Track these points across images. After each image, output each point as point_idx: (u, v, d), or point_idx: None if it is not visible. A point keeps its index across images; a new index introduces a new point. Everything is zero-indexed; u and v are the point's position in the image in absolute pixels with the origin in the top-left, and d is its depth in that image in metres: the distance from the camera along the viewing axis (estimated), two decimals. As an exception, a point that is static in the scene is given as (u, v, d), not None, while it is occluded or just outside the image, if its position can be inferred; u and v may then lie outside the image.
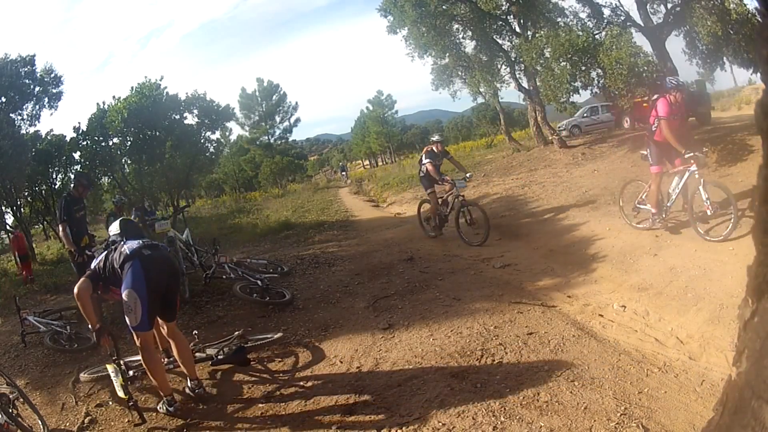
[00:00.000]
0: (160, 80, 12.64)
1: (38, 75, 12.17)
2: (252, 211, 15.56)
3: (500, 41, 12.66)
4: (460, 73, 13.35)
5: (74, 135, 12.67)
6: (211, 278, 5.59)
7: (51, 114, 16.56)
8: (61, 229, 5.29)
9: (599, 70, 9.64)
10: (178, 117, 13.01)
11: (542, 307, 3.96)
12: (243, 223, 12.88)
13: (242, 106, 30.59)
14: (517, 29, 12.14)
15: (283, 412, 2.99)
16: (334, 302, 4.82)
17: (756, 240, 0.80)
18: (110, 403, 3.43)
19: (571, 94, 10.10)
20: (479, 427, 2.44)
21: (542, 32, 10.84)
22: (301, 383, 3.34)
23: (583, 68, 9.69)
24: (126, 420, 3.18)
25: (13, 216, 12.49)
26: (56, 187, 12.72)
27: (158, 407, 3.17)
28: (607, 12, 11.31)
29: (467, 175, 7.30)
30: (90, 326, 3.04)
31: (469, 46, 12.86)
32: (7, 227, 12.58)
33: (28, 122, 12.25)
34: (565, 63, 9.80)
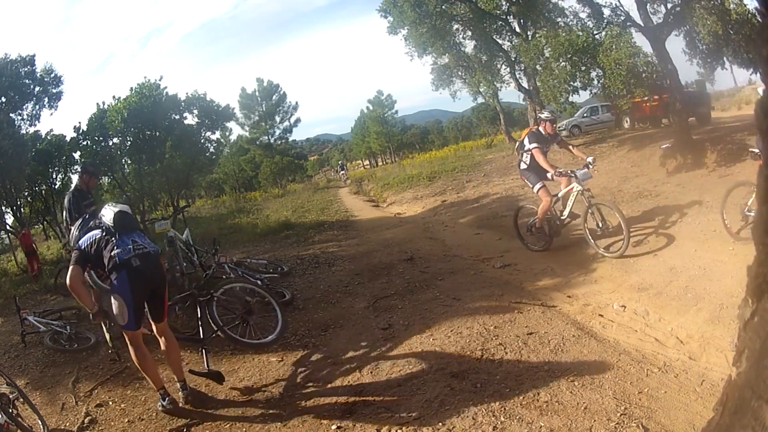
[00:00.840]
0: (160, 80, 12.60)
1: (38, 75, 12.16)
2: (252, 211, 15.54)
3: (500, 41, 12.70)
4: (460, 73, 13.40)
5: (74, 135, 12.66)
6: (211, 278, 5.58)
7: (51, 114, 16.55)
8: (73, 230, 4.13)
9: (599, 71, 9.66)
10: (178, 117, 12.97)
11: (542, 307, 3.96)
12: (243, 223, 12.86)
13: (242, 106, 30.64)
14: (517, 29, 12.16)
15: (283, 412, 2.99)
16: (334, 302, 4.82)
17: (756, 240, 0.80)
18: (110, 403, 3.45)
19: (571, 94, 10.14)
20: (479, 427, 2.44)
21: (542, 32, 10.88)
22: (301, 383, 3.35)
23: (583, 68, 9.72)
24: (126, 420, 3.19)
25: (13, 216, 12.49)
26: (56, 187, 12.73)
27: (158, 407, 3.21)
28: (607, 12, 11.28)
29: (589, 160, 5.38)
30: (87, 310, 3.22)
31: (469, 46, 12.92)
32: (7, 227, 12.57)
33: (28, 122, 12.25)
34: (564, 63, 9.83)
